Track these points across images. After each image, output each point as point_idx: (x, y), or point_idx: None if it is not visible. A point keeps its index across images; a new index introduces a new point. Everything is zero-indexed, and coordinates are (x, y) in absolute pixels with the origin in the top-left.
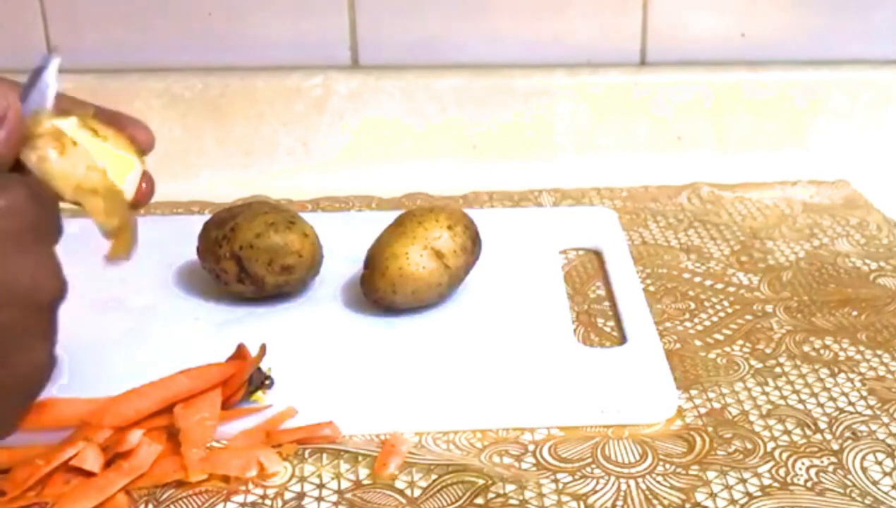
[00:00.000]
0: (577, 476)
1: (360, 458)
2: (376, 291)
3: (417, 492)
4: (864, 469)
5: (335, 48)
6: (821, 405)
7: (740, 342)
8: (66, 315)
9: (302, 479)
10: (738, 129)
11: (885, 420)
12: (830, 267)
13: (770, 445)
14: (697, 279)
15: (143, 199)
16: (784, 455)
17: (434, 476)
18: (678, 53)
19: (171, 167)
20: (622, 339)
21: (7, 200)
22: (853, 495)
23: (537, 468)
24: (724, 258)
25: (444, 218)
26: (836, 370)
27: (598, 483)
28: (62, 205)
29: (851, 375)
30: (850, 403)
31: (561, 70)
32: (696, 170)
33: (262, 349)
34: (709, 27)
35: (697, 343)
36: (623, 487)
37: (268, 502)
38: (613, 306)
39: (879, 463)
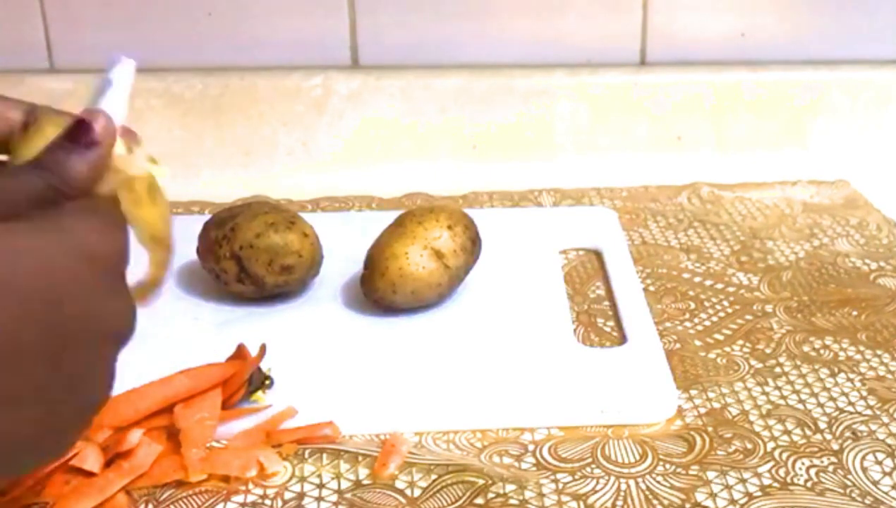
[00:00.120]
0: (577, 476)
1: (360, 458)
2: (376, 291)
3: (417, 492)
4: (864, 469)
5: (335, 48)
6: (821, 405)
7: (740, 342)
8: None
9: (302, 479)
10: (738, 129)
11: (885, 420)
12: (830, 267)
13: (770, 445)
14: (697, 279)
15: None
16: (784, 455)
17: (434, 476)
18: (678, 53)
19: (171, 167)
20: (622, 339)
21: (119, 242)
22: (853, 495)
23: (537, 468)
24: (724, 258)
25: (444, 218)
26: (836, 370)
27: (598, 483)
28: None
29: (851, 375)
30: (850, 403)
31: (561, 70)
32: (696, 170)
33: (262, 349)
34: (709, 27)
35: (697, 343)
36: (623, 487)
37: (268, 502)
38: (613, 306)
39: (879, 463)
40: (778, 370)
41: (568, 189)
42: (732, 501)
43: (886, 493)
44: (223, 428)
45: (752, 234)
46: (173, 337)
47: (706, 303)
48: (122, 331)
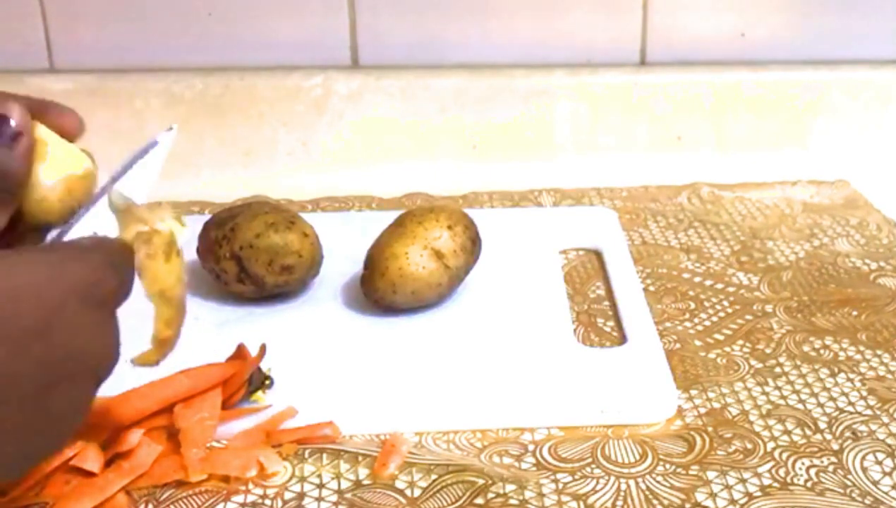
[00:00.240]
0: (577, 476)
1: (360, 458)
2: (376, 291)
3: (417, 492)
4: (864, 469)
5: (335, 48)
6: (821, 405)
7: (740, 342)
8: None
9: (302, 479)
10: (738, 129)
11: (885, 420)
12: (830, 267)
13: (770, 445)
14: (697, 279)
15: None
16: (784, 455)
17: (434, 476)
18: (678, 53)
19: (171, 167)
20: (622, 339)
21: (112, 282)
22: (853, 495)
23: (537, 468)
24: (724, 258)
25: (444, 218)
26: (836, 370)
27: (598, 483)
28: None
29: (851, 375)
30: (850, 403)
31: (561, 70)
32: (696, 170)
33: (262, 349)
34: (709, 27)
35: (697, 343)
36: (623, 487)
37: (268, 502)
38: (613, 306)
39: (879, 463)
40: (778, 370)
41: (568, 189)
42: (732, 501)
43: (886, 493)
44: (223, 428)
45: (752, 234)
46: None
47: (706, 303)
48: (104, 367)
